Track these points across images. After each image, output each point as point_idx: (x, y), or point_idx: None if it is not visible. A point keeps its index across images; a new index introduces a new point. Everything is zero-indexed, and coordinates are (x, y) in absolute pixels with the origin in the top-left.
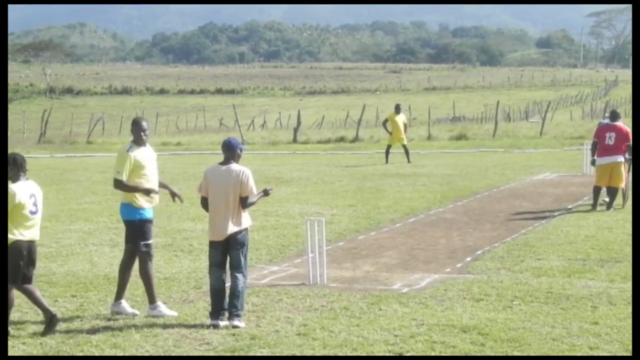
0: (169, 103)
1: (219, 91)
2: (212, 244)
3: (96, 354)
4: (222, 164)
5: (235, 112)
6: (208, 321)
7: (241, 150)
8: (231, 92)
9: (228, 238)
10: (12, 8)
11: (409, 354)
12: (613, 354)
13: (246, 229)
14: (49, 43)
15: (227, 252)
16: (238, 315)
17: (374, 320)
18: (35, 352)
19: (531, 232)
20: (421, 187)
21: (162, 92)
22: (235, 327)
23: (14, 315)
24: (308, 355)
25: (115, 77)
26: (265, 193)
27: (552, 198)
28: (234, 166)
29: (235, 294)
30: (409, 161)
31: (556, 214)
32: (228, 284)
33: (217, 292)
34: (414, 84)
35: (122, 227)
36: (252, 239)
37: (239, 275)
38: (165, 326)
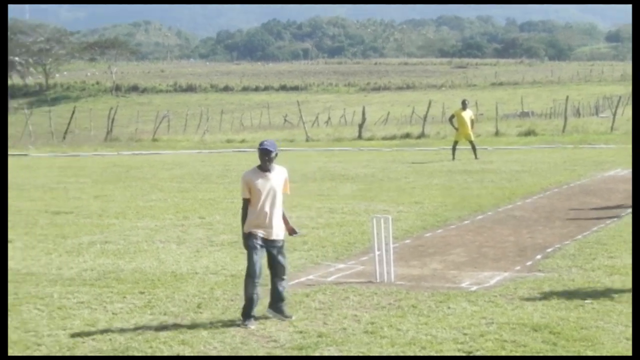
0: (233, 100)
1: (283, 88)
2: None
3: (165, 351)
4: None
5: (299, 109)
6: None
7: (260, 150)
8: (295, 88)
9: None
10: (78, 7)
11: (478, 353)
12: None
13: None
14: (114, 41)
15: None
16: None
17: (443, 318)
18: (104, 348)
19: (603, 229)
20: (489, 183)
21: (227, 89)
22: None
23: (82, 312)
24: (375, 353)
25: (180, 74)
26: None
27: (624, 194)
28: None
29: None
30: (476, 157)
31: (628, 210)
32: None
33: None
34: (480, 80)
35: (188, 224)
36: (318, 236)
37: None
38: (232, 324)
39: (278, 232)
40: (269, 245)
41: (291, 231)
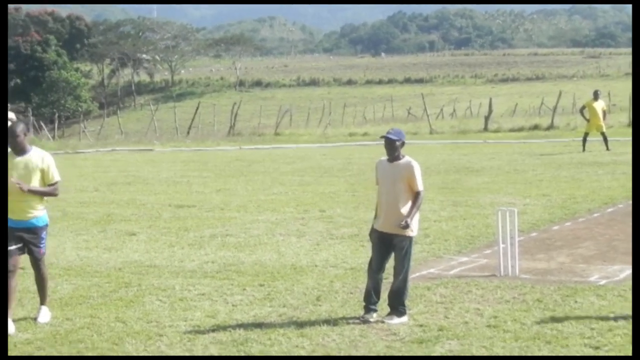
0: (356, 94)
1: (407, 80)
2: None
3: (283, 342)
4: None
5: (423, 101)
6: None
7: (383, 139)
8: (420, 81)
9: None
10: (205, 5)
11: (606, 348)
12: None
13: None
14: (239, 37)
15: None
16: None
17: (569, 312)
18: (224, 339)
19: None
20: (621, 175)
21: (350, 82)
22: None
23: (203, 304)
24: (498, 347)
25: (303, 69)
26: None
27: None
28: None
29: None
30: (607, 149)
31: None
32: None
33: None
34: (613, 69)
35: (308, 217)
36: (441, 229)
37: None
38: (351, 316)
39: (391, 226)
40: (386, 238)
41: (404, 225)
